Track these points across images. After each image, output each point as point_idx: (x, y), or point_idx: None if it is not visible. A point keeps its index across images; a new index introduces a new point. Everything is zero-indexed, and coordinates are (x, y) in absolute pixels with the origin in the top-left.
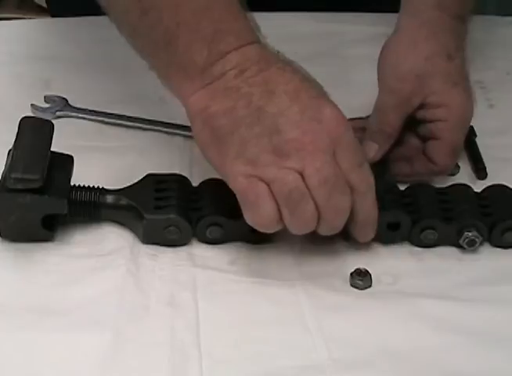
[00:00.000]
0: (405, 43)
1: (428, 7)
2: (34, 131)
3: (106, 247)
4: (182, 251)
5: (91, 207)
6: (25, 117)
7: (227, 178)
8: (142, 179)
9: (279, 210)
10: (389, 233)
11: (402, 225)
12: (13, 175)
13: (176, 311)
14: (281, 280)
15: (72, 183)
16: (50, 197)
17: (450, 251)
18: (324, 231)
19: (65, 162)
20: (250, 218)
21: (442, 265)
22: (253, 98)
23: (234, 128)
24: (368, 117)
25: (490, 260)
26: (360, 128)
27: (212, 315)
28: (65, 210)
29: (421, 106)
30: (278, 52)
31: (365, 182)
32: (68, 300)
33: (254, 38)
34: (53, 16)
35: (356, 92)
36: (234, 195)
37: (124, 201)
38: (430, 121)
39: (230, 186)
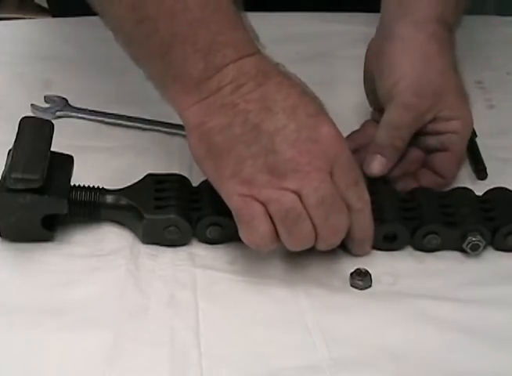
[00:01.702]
0: (418, 57)
1: (430, 19)
2: (34, 131)
3: (106, 247)
4: (182, 251)
5: (91, 207)
6: (25, 117)
7: (222, 194)
8: (142, 179)
9: (274, 230)
10: (386, 244)
11: (398, 237)
12: (13, 175)
13: (176, 311)
14: (281, 280)
15: (72, 183)
16: (50, 197)
17: (451, 252)
18: (322, 247)
19: (65, 162)
20: (246, 237)
21: (442, 265)
22: (249, 115)
23: (231, 146)
24: (357, 130)
25: (491, 261)
26: (358, 145)
27: (212, 315)
28: (65, 210)
29: (432, 120)
30: (277, 63)
31: (361, 200)
32: (68, 300)
33: (253, 49)
34: (54, 16)
35: (356, 91)
36: None
37: (124, 201)
38: (441, 133)
39: (226, 203)
